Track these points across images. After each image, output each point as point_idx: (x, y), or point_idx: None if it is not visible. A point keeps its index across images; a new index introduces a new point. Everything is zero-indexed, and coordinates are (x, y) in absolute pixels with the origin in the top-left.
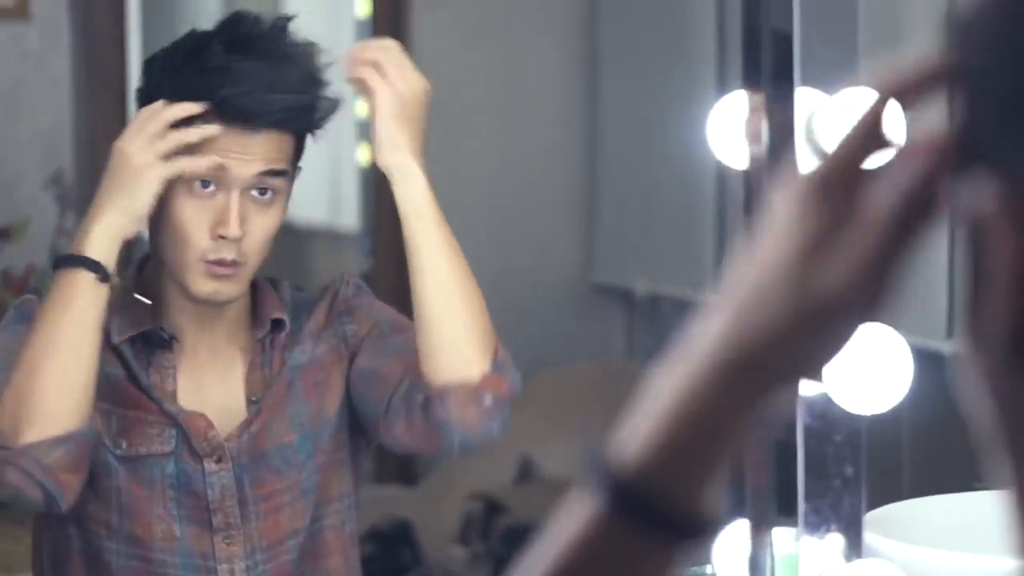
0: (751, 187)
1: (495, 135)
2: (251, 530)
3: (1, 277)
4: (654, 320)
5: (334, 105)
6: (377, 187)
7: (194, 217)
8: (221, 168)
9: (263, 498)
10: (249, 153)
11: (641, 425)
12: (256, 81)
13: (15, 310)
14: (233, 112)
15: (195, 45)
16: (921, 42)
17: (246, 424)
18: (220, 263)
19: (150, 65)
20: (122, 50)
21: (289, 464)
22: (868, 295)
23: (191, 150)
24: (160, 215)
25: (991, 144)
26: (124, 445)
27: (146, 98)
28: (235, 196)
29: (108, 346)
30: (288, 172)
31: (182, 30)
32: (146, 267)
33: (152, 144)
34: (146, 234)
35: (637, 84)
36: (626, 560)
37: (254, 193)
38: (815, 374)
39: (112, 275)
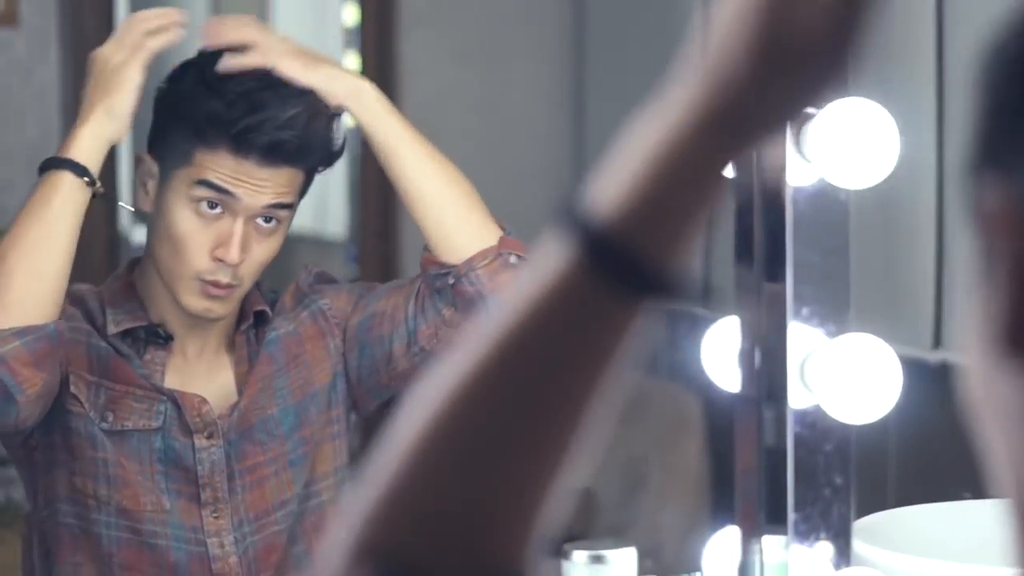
0: (741, 198)
1: (482, 147)
2: (237, 503)
3: None
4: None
5: (344, 143)
6: (364, 194)
7: (196, 235)
8: (230, 195)
9: (247, 470)
10: (261, 185)
11: (616, 177)
12: (278, 116)
13: None
14: (252, 141)
15: (214, 75)
16: (912, 53)
17: (235, 403)
18: (215, 284)
19: (180, 76)
20: None
21: (271, 436)
22: (837, 38)
23: (199, 170)
24: (161, 225)
25: (998, 149)
26: (111, 419)
27: (168, 108)
28: (240, 223)
29: (102, 336)
30: (294, 206)
31: None
32: (137, 269)
33: (129, 47)
34: (144, 237)
35: (624, 100)
36: (590, 312)
37: (259, 221)
38: (787, 123)
39: (96, 179)
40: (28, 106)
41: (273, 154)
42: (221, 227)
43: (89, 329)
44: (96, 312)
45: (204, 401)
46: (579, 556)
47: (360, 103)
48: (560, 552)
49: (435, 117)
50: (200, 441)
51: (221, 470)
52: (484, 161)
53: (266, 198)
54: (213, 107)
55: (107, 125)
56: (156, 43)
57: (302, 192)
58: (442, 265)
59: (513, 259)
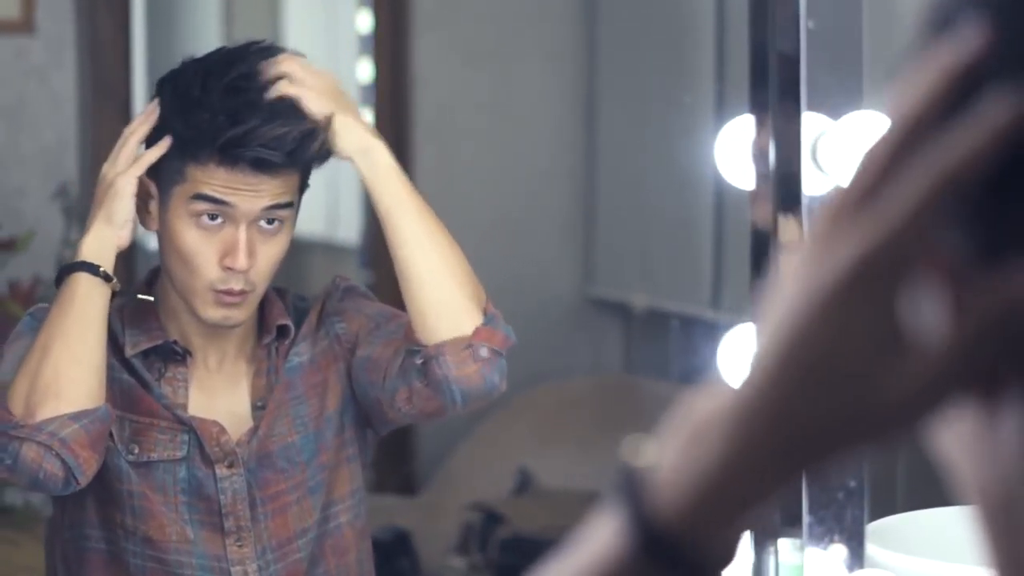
0: (756, 207)
1: (494, 151)
2: (260, 531)
3: (8, 288)
4: (652, 335)
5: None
6: None
7: (202, 248)
8: (227, 204)
9: (270, 498)
10: (257, 190)
11: (682, 463)
12: (261, 123)
13: (29, 317)
14: (233, 155)
15: (199, 84)
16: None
17: (253, 430)
18: (229, 292)
19: (158, 95)
20: (127, 64)
21: (293, 464)
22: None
23: (193, 185)
24: (169, 241)
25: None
26: (136, 450)
27: (154, 130)
28: (243, 229)
29: (121, 358)
30: (294, 203)
31: (185, 46)
32: (156, 281)
33: (123, 161)
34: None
35: (635, 100)
36: None
37: (261, 224)
38: (867, 447)
39: (111, 275)
40: (44, 112)
41: (263, 161)
42: (225, 236)
43: (111, 362)
44: (117, 332)
45: (223, 431)
46: None
47: (368, 160)
48: None
49: (448, 120)
50: (221, 471)
51: (243, 499)
52: (496, 163)
53: (263, 201)
54: (195, 122)
55: (107, 231)
56: (151, 156)
57: (301, 189)
58: (414, 342)
59: (484, 352)
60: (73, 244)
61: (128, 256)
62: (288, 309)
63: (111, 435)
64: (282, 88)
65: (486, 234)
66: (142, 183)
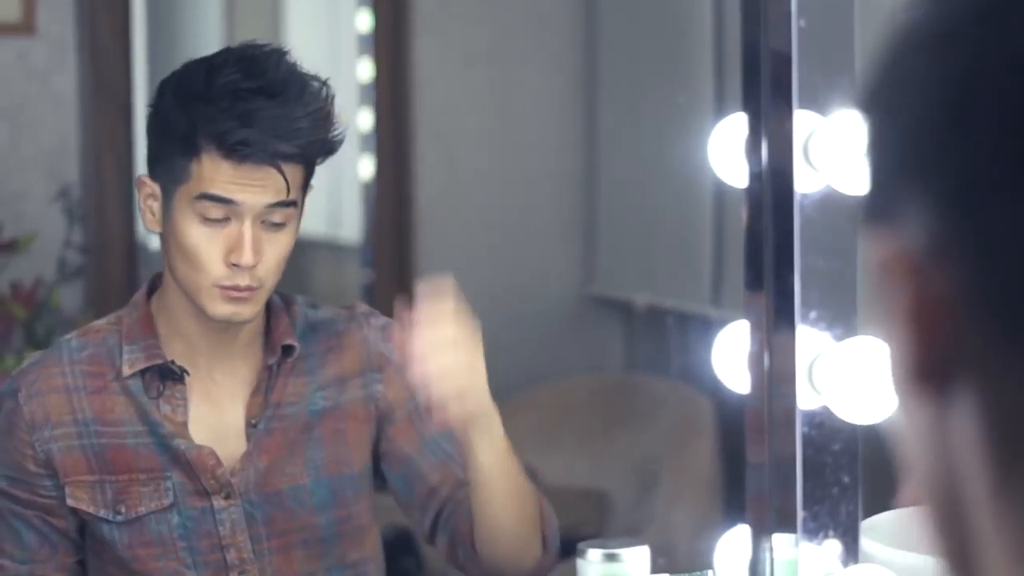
0: (751, 205)
1: (495, 151)
2: (265, 565)
3: (10, 289)
4: (653, 333)
5: (341, 136)
6: (378, 200)
7: (207, 245)
8: (233, 203)
9: (275, 534)
10: (262, 185)
11: None
12: (265, 120)
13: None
14: (239, 152)
15: (203, 82)
16: None
17: (248, 457)
18: (236, 288)
19: (161, 95)
20: (128, 66)
21: (302, 505)
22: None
23: (199, 184)
24: (174, 240)
25: (886, 202)
26: (123, 509)
27: (157, 129)
28: (248, 225)
29: (117, 380)
30: (298, 202)
31: (187, 47)
32: (157, 290)
33: None
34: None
35: (635, 100)
36: None
37: (266, 220)
38: None
39: None
40: (46, 114)
41: (271, 154)
42: (230, 233)
43: (78, 431)
44: (115, 352)
45: (218, 463)
46: (594, 555)
47: (483, 434)
48: (575, 551)
49: (448, 121)
50: (219, 503)
51: (243, 529)
52: (496, 165)
53: (268, 198)
54: (200, 118)
55: None
56: None
57: (305, 186)
58: (474, 550)
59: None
60: (75, 246)
61: (130, 256)
62: (295, 322)
63: (92, 504)
64: (412, 335)
65: (487, 234)
66: (145, 184)
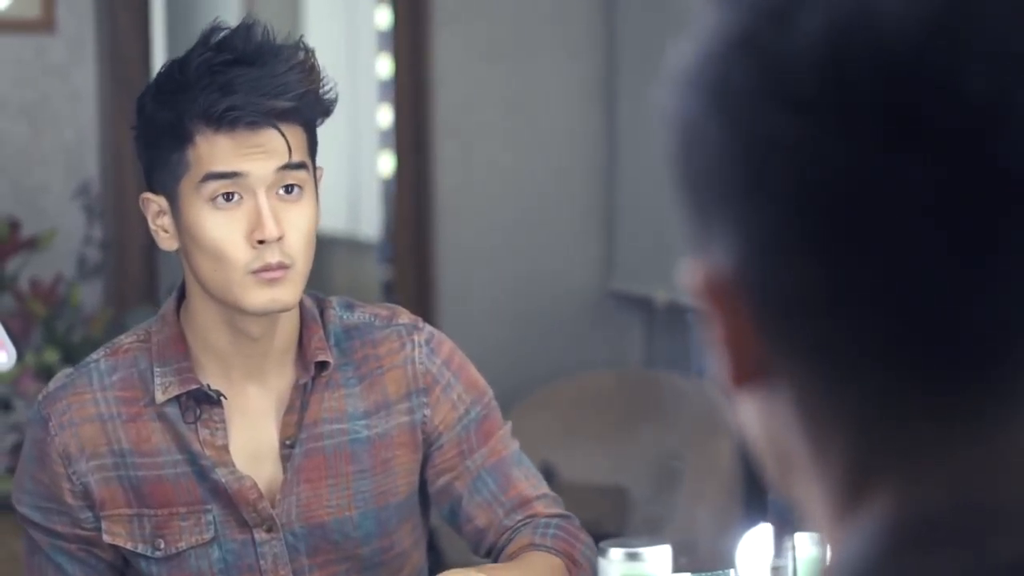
0: None
1: (514, 147)
2: None
3: (29, 286)
4: (672, 328)
5: (334, 93)
6: (397, 196)
7: (227, 231)
8: (238, 175)
9: (318, 566)
10: (264, 150)
11: None
12: (247, 83)
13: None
14: (229, 118)
15: (178, 71)
16: None
17: (287, 486)
18: (267, 268)
19: (141, 108)
20: (147, 63)
21: (348, 537)
22: None
23: (199, 167)
24: (192, 240)
25: (694, 236)
26: (162, 545)
27: (145, 139)
28: (262, 196)
29: (151, 406)
30: (307, 165)
31: None
32: (184, 305)
33: None
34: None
35: (654, 95)
36: None
37: (280, 191)
38: None
39: None
40: (65, 110)
41: (263, 112)
42: (247, 211)
43: (115, 462)
44: (147, 375)
45: (260, 496)
46: (615, 553)
47: None
48: (597, 549)
49: (467, 115)
50: (260, 535)
51: (285, 563)
52: (516, 159)
53: (273, 162)
54: (182, 108)
55: None
56: None
57: (311, 150)
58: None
59: None
60: (94, 242)
61: (150, 253)
62: (329, 330)
63: (130, 540)
64: None
65: (507, 229)
66: (150, 200)
